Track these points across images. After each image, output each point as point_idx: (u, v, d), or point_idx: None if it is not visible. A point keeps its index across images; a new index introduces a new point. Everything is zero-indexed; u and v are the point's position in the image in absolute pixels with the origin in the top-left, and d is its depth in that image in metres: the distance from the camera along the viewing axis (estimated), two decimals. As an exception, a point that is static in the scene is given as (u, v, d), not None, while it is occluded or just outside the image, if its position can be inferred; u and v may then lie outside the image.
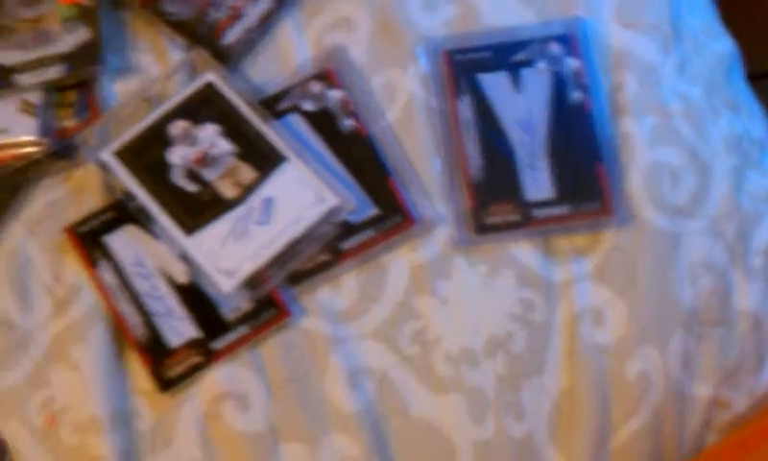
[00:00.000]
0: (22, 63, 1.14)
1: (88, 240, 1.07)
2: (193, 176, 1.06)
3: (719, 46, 1.18)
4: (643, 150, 1.09)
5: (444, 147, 1.10)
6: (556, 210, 1.06)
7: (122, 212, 1.07)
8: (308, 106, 1.11)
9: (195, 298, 1.04)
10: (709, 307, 1.05)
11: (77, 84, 1.15)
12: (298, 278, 1.05)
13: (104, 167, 1.07)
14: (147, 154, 1.07)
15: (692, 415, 1.03)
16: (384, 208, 1.07)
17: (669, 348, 1.03)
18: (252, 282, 1.02)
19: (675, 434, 1.02)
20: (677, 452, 1.03)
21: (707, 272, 1.06)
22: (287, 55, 1.16)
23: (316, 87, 1.11)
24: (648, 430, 1.02)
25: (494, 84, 1.11)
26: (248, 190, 1.05)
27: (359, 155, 1.09)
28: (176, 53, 1.16)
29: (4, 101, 1.12)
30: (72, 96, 1.13)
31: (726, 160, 1.10)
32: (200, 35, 1.14)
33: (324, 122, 1.11)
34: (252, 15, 1.15)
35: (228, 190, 1.05)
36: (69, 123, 1.12)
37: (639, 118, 1.10)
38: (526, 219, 1.06)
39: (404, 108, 1.12)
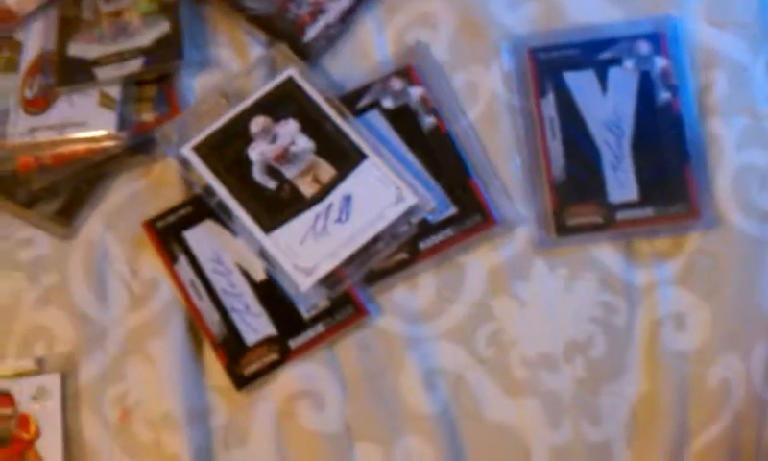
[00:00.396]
0: (102, 57, 1.18)
1: (167, 235, 1.10)
2: (272, 172, 1.07)
3: None
4: (732, 152, 1.09)
5: (526, 147, 1.09)
6: (640, 212, 1.06)
7: (200, 208, 1.11)
8: (388, 103, 1.11)
9: (272, 295, 1.07)
10: None
11: (156, 78, 1.18)
12: (375, 277, 1.08)
13: (183, 162, 1.09)
14: (226, 149, 1.09)
15: (772, 422, 1.05)
16: (464, 208, 1.09)
17: (752, 356, 1.03)
18: (330, 281, 1.04)
19: (753, 442, 1.02)
20: (754, 460, 1.02)
21: None
22: (368, 51, 1.18)
23: (397, 84, 1.11)
24: (726, 438, 1.02)
25: (580, 82, 1.11)
26: (327, 188, 1.06)
27: (439, 153, 1.12)
28: (256, 48, 1.18)
29: (84, 94, 1.16)
30: (151, 90, 1.15)
31: None
32: (281, 30, 1.17)
33: (404, 119, 1.13)
34: (334, 11, 1.17)
35: (307, 188, 1.05)
36: (148, 117, 1.14)
37: (728, 119, 1.10)
38: (609, 221, 1.05)
39: (486, 106, 1.13)
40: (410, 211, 1.05)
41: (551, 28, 1.16)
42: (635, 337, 1.04)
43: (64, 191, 1.13)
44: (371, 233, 1.04)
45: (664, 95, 1.10)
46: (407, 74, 1.13)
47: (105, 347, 1.07)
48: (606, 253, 1.06)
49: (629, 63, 1.11)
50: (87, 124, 1.12)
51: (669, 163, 1.07)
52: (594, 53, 1.12)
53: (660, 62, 1.11)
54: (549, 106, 1.10)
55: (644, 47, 1.12)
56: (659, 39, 1.12)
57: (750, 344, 1.02)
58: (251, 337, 1.05)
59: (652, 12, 1.15)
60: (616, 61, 1.11)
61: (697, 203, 1.06)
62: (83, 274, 1.10)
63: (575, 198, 1.07)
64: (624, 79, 1.11)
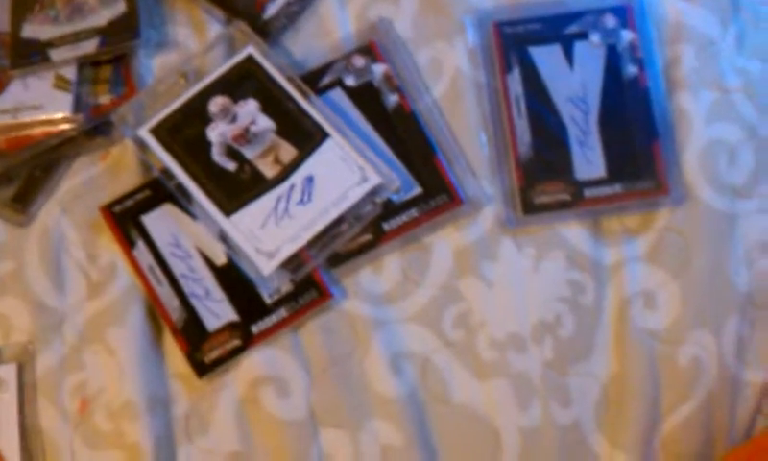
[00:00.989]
0: (56, 38, 1.13)
1: (124, 220, 1.07)
2: (232, 153, 1.03)
3: None
4: (700, 127, 1.07)
5: (491, 124, 1.06)
6: (608, 189, 1.04)
7: (159, 191, 1.07)
8: (351, 81, 1.08)
9: (233, 279, 1.04)
10: (764, 290, 1.03)
11: (112, 58, 1.13)
12: (339, 259, 1.05)
13: (140, 145, 1.05)
14: (185, 131, 1.06)
15: (744, 401, 1.01)
16: (429, 187, 1.06)
17: (723, 333, 1.01)
18: (293, 264, 1.00)
19: (726, 420, 1.01)
20: (727, 438, 1.01)
21: (763, 254, 1.04)
22: (329, 28, 1.14)
23: (359, 62, 1.07)
24: (699, 417, 1.00)
25: (546, 57, 1.08)
26: (289, 169, 1.03)
27: (404, 132, 1.08)
28: (214, 27, 1.15)
29: (38, 76, 1.12)
30: (107, 71, 1.12)
31: None
32: (239, 7, 1.14)
33: (367, 98, 1.10)
34: (294, -12, 1.11)
35: (268, 169, 1.02)
36: (105, 99, 1.10)
37: (696, 93, 1.07)
38: (577, 198, 1.03)
39: (451, 83, 1.10)
40: (374, 191, 1.02)
41: (516, 1, 1.12)
42: (604, 316, 1.01)
43: (19, 177, 1.08)
44: (334, 215, 1.01)
45: (631, 69, 1.07)
46: (370, 51, 1.10)
47: (63, 335, 1.03)
48: (574, 231, 1.03)
49: (595, 37, 1.08)
50: (42, 107, 1.08)
51: (637, 139, 1.04)
52: (560, 27, 1.09)
53: (627, 36, 1.08)
54: (515, 81, 1.07)
55: (611, 20, 1.08)
56: (625, 13, 1.09)
57: (721, 321, 1.00)
58: (212, 323, 1.01)
59: (619, -15, 1.12)
60: (583, 35, 1.08)
61: (665, 178, 1.03)
62: (39, 261, 1.06)
63: (542, 175, 1.04)
64: (590, 53, 1.08)
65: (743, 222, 1.03)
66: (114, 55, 1.11)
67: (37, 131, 1.07)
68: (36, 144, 1.08)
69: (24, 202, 1.08)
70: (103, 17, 1.12)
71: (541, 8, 1.10)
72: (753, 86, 1.08)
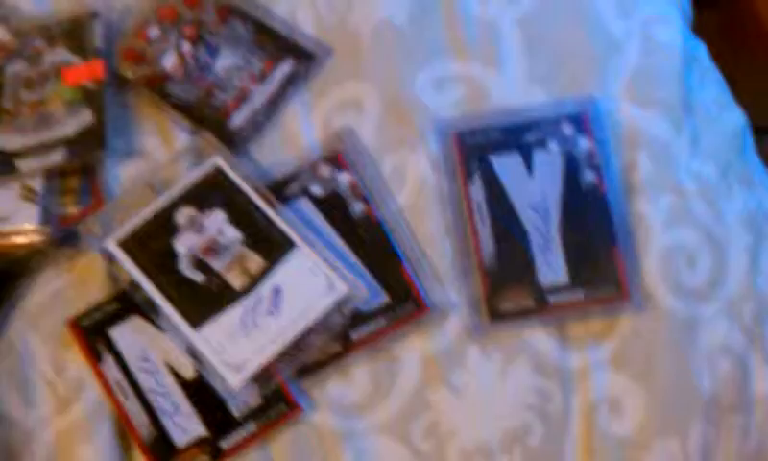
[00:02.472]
0: (23, 148, 1.09)
1: (92, 333, 1.02)
2: (200, 265, 1.01)
3: (731, 118, 1.15)
4: (659, 231, 1.05)
5: (455, 231, 1.04)
6: (571, 295, 1.02)
7: (127, 304, 1.03)
8: (317, 190, 1.06)
9: (202, 393, 1.00)
10: (728, 393, 1.00)
11: (80, 169, 1.09)
12: (307, 370, 1.01)
13: (108, 256, 1.00)
14: (152, 243, 1.03)
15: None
16: (396, 296, 1.03)
17: (689, 438, 0.98)
18: (261, 377, 0.97)
19: None
20: None
21: (725, 356, 1.01)
22: (295, 137, 1.12)
23: (325, 171, 1.06)
24: None
25: (506, 165, 1.06)
26: (256, 279, 1.00)
27: (370, 240, 1.06)
28: (182, 136, 1.11)
29: (5, 187, 1.08)
30: (75, 182, 1.08)
31: (741, 239, 1.07)
32: (206, 117, 1.09)
33: (333, 206, 1.07)
34: (260, 97, 1.10)
35: (235, 280, 0.99)
36: (72, 210, 1.07)
37: (654, 198, 1.06)
38: (541, 305, 1.01)
39: (415, 191, 1.08)
40: (342, 301, 0.99)
41: (476, 110, 1.11)
42: (571, 424, 0.98)
43: (-15, 288, 1.05)
44: (302, 326, 0.97)
45: (590, 176, 1.05)
46: (335, 160, 1.07)
47: (32, 452, 0.98)
48: (539, 337, 1.01)
49: (553, 145, 1.07)
50: (9, 218, 1.04)
51: (597, 245, 1.03)
52: (519, 135, 1.07)
53: (585, 143, 1.07)
54: (477, 190, 1.05)
55: (568, 128, 1.07)
56: (582, 120, 1.08)
57: (686, 426, 0.97)
58: (181, 438, 0.96)
59: (575, 93, 1.11)
60: (541, 143, 1.07)
61: (626, 284, 1.01)
62: (6, 375, 1.01)
63: (506, 282, 1.02)
64: (549, 161, 1.06)
65: (704, 326, 1.01)
66: (81, 165, 1.08)
67: (4, 242, 1.03)
68: (2, 256, 1.04)
69: (-10, 314, 1.04)
70: (70, 127, 1.09)
71: (500, 116, 1.09)
72: (708, 190, 1.07)
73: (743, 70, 1.28)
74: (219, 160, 1.06)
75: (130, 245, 1.02)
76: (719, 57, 1.18)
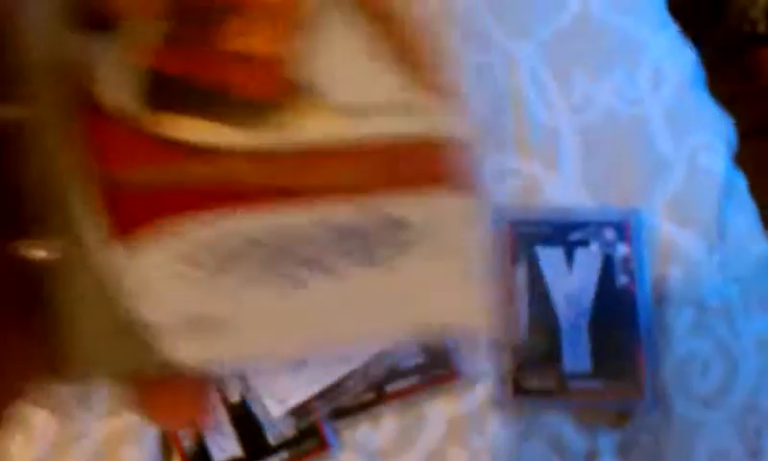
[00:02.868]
0: None
1: None
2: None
3: (758, 249, 1.21)
4: (678, 340, 1.11)
5: (494, 308, 1.10)
6: (591, 384, 1.08)
7: None
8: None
9: (243, 417, 1.07)
10: None
11: None
12: (341, 412, 1.08)
13: None
14: None
15: None
16: (431, 358, 1.09)
17: None
18: (300, 411, 1.02)
19: None
20: None
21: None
22: None
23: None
24: None
25: (550, 257, 1.14)
26: None
27: None
28: None
29: None
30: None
31: (753, 359, 1.13)
32: None
33: None
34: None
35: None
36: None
37: (678, 309, 1.12)
38: (562, 389, 1.07)
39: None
40: (383, 354, 1.07)
41: (530, 204, 1.19)
42: None
43: None
44: (345, 371, 1.05)
45: (623, 280, 1.13)
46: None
47: (81, 445, 1.06)
48: (556, 418, 1.08)
49: (594, 246, 1.15)
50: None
51: (622, 343, 1.10)
52: (565, 232, 1.15)
53: (623, 249, 1.15)
54: (521, 274, 1.13)
55: (610, 234, 1.15)
56: (623, 229, 1.16)
57: None
58: (218, 456, 1.04)
59: (621, 203, 1.19)
60: (584, 243, 1.15)
61: (643, 383, 1.08)
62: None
63: (533, 362, 1.09)
64: (589, 260, 1.14)
65: (709, 430, 1.07)
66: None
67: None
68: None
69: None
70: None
71: (551, 213, 1.17)
72: (729, 309, 1.14)
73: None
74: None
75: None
76: (754, 187, 1.26)
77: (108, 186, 0.36)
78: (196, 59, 0.36)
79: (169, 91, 0.36)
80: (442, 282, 0.41)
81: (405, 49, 0.38)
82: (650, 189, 1.21)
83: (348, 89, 0.37)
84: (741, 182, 1.26)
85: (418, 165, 0.38)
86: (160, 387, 0.38)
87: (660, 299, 1.14)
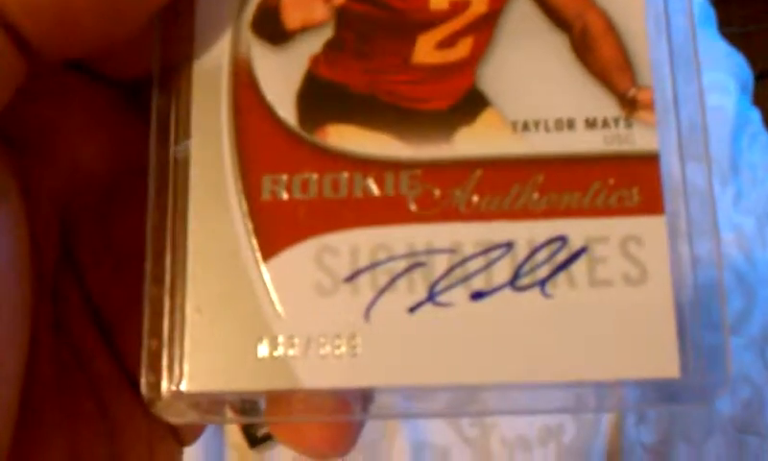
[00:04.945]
0: None
1: None
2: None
3: None
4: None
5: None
6: None
7: None
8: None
9: None
10: (745, 417, 1.09)
11: None
12: None
13: None
14: None
15: None
16: None
17: (705, 447, 1.06)
18: None
19: None
20: None
21: (745, 385, 1.10)
22: None
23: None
24: None
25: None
26: None
27: None
28: None
29: None
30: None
31: None
32: None
33: None
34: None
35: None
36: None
37: (695, 243, 1.13)
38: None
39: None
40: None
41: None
42: (601, 434, 1.06)
43: None
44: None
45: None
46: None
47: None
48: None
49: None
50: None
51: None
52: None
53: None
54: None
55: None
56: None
57: (705, 436, 1.06)
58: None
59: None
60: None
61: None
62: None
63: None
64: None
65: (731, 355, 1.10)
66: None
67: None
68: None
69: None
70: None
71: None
72: (744, 240, 1.16)
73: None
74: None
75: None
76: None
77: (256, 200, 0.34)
78: (356, 67, 0.35)
79: (326, 97, 0.35)
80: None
81: (595, 60, 0.36)
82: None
83: (529, 103, 0.35)
84: (756, 117, 1.27)
85: (601, 184, 0.36)
86: (292, 409, 0.36)
87: (676, 234, 1.15)
